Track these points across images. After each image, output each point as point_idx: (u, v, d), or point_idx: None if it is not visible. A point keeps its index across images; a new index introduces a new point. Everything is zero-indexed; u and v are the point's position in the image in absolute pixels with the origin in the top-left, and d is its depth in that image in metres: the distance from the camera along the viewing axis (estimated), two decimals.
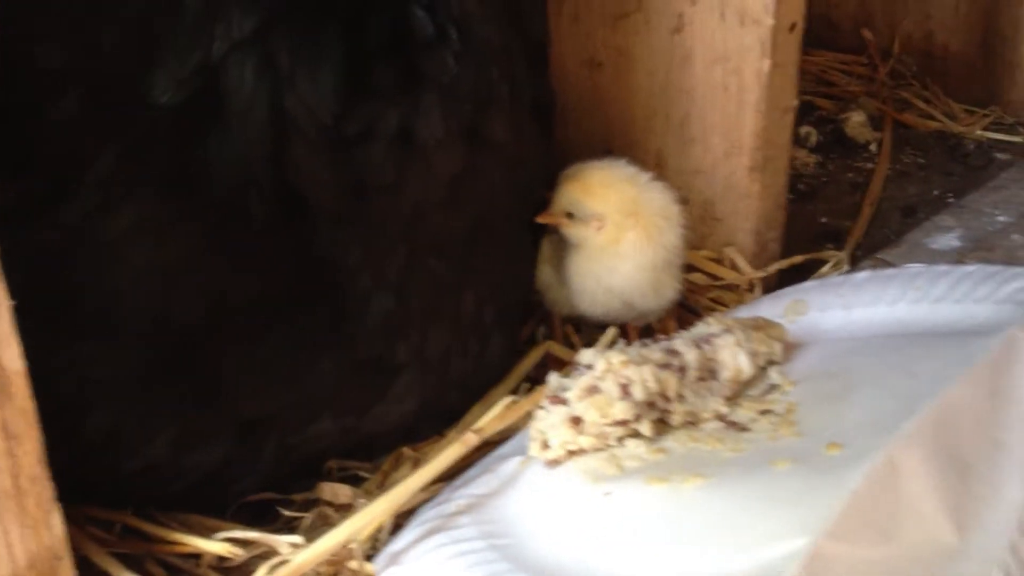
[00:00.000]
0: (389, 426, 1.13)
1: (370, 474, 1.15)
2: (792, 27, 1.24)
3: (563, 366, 1.31)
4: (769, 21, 1.21)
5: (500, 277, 1.20)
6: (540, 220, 1.26)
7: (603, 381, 1.03)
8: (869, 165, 1.88)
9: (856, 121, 1.95)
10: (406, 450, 1.14)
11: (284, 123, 0.98)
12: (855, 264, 1.43)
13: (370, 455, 1.16)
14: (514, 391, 1.23)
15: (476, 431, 1.03)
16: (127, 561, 1.01)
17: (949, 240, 1.42)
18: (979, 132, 1.92)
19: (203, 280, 0.99)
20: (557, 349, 1.32)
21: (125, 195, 0.97)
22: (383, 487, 1.11)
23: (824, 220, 1.73)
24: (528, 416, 1.07)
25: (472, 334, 1.16)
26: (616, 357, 1.03)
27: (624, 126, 1.43)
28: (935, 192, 1.79)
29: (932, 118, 1.98)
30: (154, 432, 1.02)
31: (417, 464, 1.13)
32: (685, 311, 1.39)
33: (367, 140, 1.00)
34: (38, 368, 0.96)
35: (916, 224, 1.67)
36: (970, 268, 1.19)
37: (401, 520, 1.05)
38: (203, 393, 1.02)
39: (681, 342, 1.10)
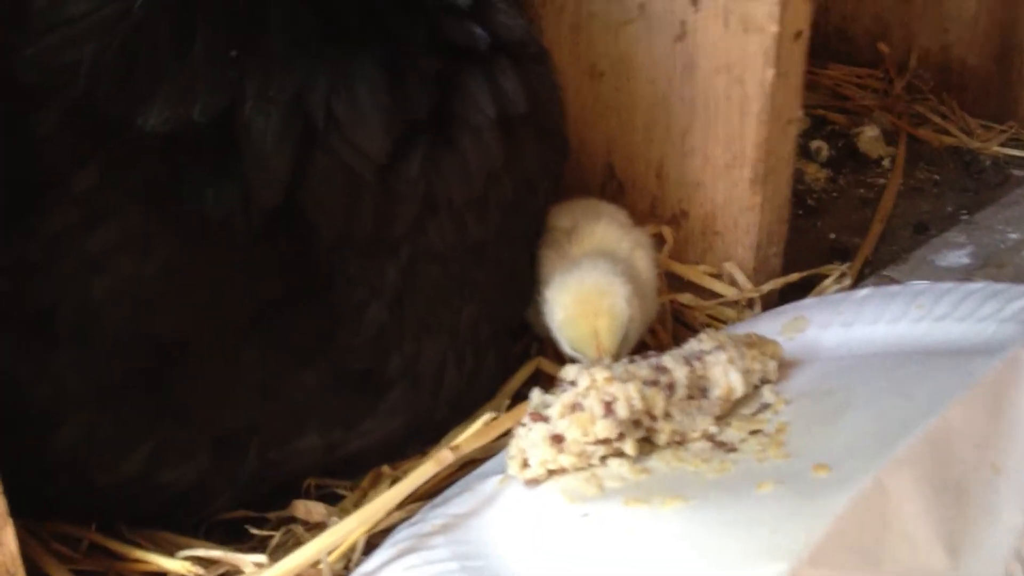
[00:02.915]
0: (375, 442, 1.09)
1: (348, 492, 1.12)
2: (797, 35, 1.20)
3: (553, 383, 1.28)
4: (774, 29, 1.17)
5: (501, 292, 1.17)
6: None
7: (586, 398, 0.99)
8: (881, 181, 1.84)
9: (869, 136, 1.91)
10: (385, 468, 1.10)
11: (313, 165, 0.98)
12: (860, 281, 1.38)
13: (352, 473, 1.12)
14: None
15: (452, 448, 0.99)
16: None
17: (958, 257, 1.38)
18: (995, 148, 1.88)
19: (186, 292, 0.97)
20: (547, 365, 1.28)
21: (109, 210, 0.95)
22: (359, 506, 1.08)
23: (833, 236, 1.69)
24: (509, 433, 1.03)
25: (468, 349, 1.12)
26: (600, 373, 1.00)
27: (625, 137, 1.39)
28: (948, 209, 1.75)
29: (947, 133, 1.94)
30: (129, 447, 0.99)
31: (395, 483, 1.10)
32: (681, 327, 1.35)
33: (404, 160, 1.00)
34: (6, 377, 0.95)
35: (926, 241, 1.63)
36: (976, 286, 1.14)
37: (376, 540, 1.01)
38: (182, 406, 0.99)
39: (671, 358, 1.06)
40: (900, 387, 0.99)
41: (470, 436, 1.02)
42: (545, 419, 1.00)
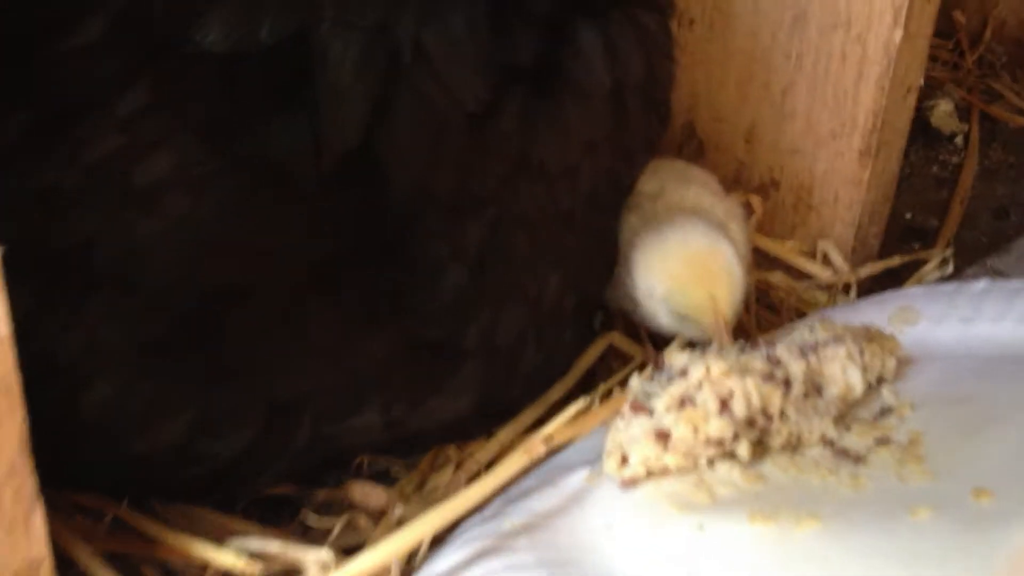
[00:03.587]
0: (440, 423, 0.96)
1: (404, 472, 0.99)
2: None
3: (627, 362, 1.16)
4: None
5: (588, 262, 1.03)
6: None
7: (699, 391, 0.86)
8: (955, 159, 1.72)
9: (943, 110, 1.78)
10: (451, 450, 0.98)
11: (397, 104, 0.84)
12: (959, 271, 1.26)
13: (409, 452, 1.00)
14: (575, 390, 1.07)
15: (545, 439, 0.86)
16: (120, 564, 0.84)
17: None
18: None
19: (243, 238, 0.83)
20: (621, 341, 1.16)
21: (161, 138, 0.82)
22: (421, 490, 0.96)
23: (909, 216, 1.57)
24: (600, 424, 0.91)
25: (550, 323, 0.99)
26: (716, 364, 0.87)
27: (712, 94, 1.26)
28: None
29: (1022, 112, 1.82)
30: (169, 411, 0.85)
31: (460, 466, 0.98)
32: (765, 309, 1.22)
33: (499, 111, 0.87)
34: (35, 326, 0.81)
35: (1012, 232, 1.52)
36: None
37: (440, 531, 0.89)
38: (231, 368, 0.85)
39: (784, 349, 0.93)
40: None
41: (561, 426, 0.89)
42: (648, 411, 0.87)
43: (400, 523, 0.87)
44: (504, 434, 1.02)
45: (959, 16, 1.91)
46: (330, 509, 0.94)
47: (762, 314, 1.22)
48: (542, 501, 0.89)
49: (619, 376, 1.13)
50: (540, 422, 1.04)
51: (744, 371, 0.88)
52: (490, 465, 0.97)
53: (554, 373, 1.06)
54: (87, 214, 0.82)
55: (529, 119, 0.90)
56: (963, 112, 1.82)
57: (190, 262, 0.83)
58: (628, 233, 1.11)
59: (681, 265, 1.02)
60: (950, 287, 1.12)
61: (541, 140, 0.92)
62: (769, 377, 0.90)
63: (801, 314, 1.21)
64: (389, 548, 0.80)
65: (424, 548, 0.86)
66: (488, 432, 1.02)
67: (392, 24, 0.85)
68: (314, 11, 0.84)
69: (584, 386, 1.13)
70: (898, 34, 1.07)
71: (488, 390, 0.97)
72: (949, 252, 1.25)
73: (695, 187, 1.14)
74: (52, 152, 0.82)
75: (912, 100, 1.15)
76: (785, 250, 1.24)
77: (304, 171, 0.84)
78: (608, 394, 1.03)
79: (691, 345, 1.02)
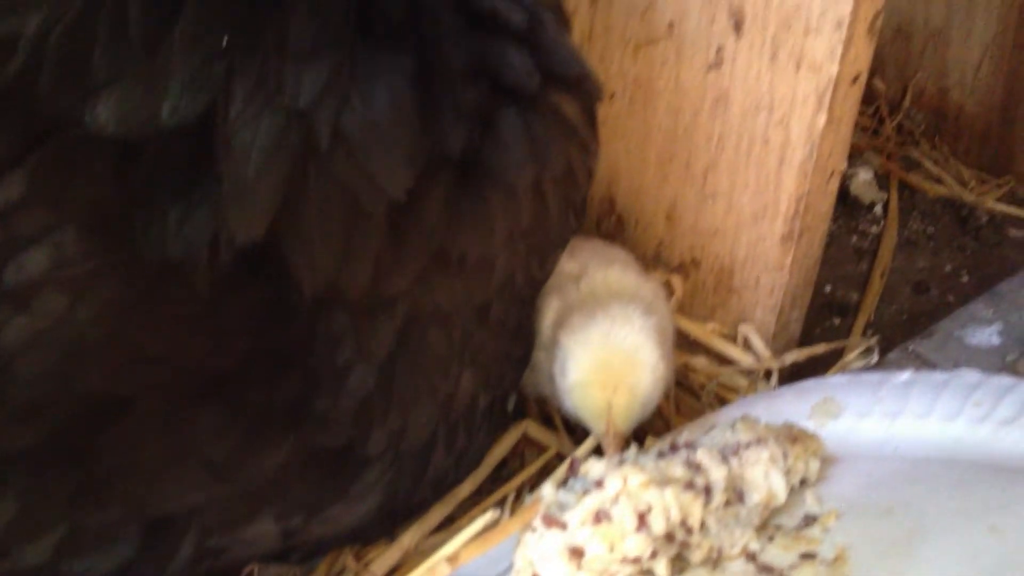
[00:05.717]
0: (340, 529, 0.90)
1: None
2: (855, 78, 1.04)
3: (541, 450, 1.11)
4: (833, 69, 1.01)
5: (503, 358, 0.98)
6: None
7: (616, 505, 0.81)
8: (874, 228, 1.71)
9: (862, 179, 1.77)
10: (350, 560, 0.91)
11: (308, 195, 0.78)
12: (881, 354, 1.23)
13: (304, 558, 0.93)
14: (485, 483, 1.02)
15: (449, 559, 0.80)
16: None
17: (988, 336, 1.24)
18: (991, 203, 1.75)
19: (129, 344, 0.76)
20: (535, 430, 1.11)
21: (39, 231, 0.74)
22: None
23: (828, 289, 1.55)
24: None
25: (462, 422, 0.93)
26: (634, 475, 0.82)
27: (633, 170, 1.22)
28: (947, 268, 1.63)
29: (941, 181, 1.81)
30: (37, 530, 0.77)
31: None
32: (687, 394, 1.18)
33: (422, 201, 0.81)
34: None
35: (931, 307, 1.51)
36: None
37: None
38: (110, 482, 0.78)
39: (705, 453, 0.89)
40: (982, 515, 0.84)
41: (468, 544, 0.83)
42: (561, 525, 0.82)
43: None
44: (407, 537, 0.97)
45: (879, 83, 1.92)
46: None
47: (682, 398, 1.18)
48: None
49: (532, 468, 1.08)
50: (448, 521, 0.99)
51: (663, 481, 0.83)
52: (391, 574, 0.91)
53: (464, 473, 1.00)
54: None
55: (452, 210, 0.85)
56: (883, 179, 1.82)
57: (65, 368, 0.76)
58: (551, 315, 1.07)
59: (593, 362, 0.97)
60: (874, 377, 1.09)
61: (463, 233, 0.86)
62: (689, 485, 0.85)
63: (722, 400, 1.17)
64: None
65: None
66: (391, 534, 0.96)
67: (310, 106, 0.78)
68: (224, 88, 0.77)
69: (495, 476, 1.08)
70: (821, 119, 1.05)
71: (393, 494, 0.92)
72: (874, 341, 1.22)
73: (617, 267, 1.10)
74: None
75: (835, 184, 1.12)
76: (706, 332, 1.20)
77: (200, 269, 0.77)
78: (519, 495, 0.98)
79: None
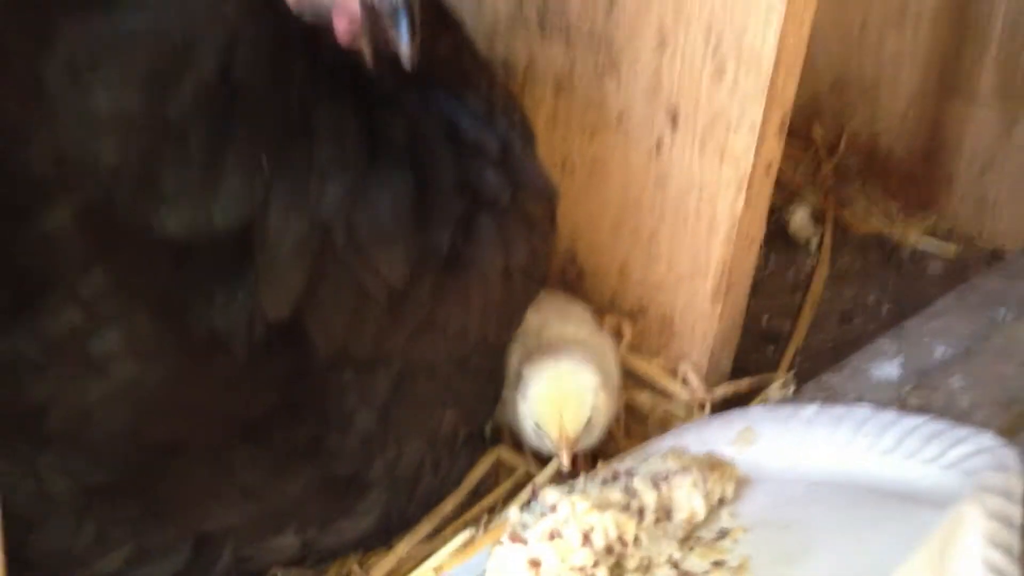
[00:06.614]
0: (347, 539, 1.13)
1: None
2: (768, 168, 1.26)
3: (513, 472, 1.33)
4: (748, 161, 1.23)
5: (479, 398, 1.21)
6: None
7: (566, 526, 1.03)
8: (809, 262, 1.91)
9: (800, 218, 1.96)
10: (355, 567, 1.14)
11: (326, 282, 0.98)
12: (799, 384, 1.45)
13: (317, 563, 1.15)
14: (466, 500, 1.24)
15: (435, 570, 1.03)
16: None
17: (890, 369, 1.44)
18: (915, 239, 1.95)
19: (184, 401, 0.97)
20: (507, 455, 1.33)
21: (116, 315, 0.93)
22: None
23: (766, 318, 1.75)
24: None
25: (445, 451, 1.17)
26: (580, 502, 1.04)
27: (591, 230, 1.44)
28: (871, 298, 1.82)
29: (870, 218, 2.02)
30: (109, 547, 0.99)
31: None
32: (634, 422, 1.40)
33: (415, 287, 1.03)
34: None
35: (853, 336, 1.70)
36: (916, 420, 1.20)
37: None
38: (166, 508, 1.00)
39: (640, 481, 1.11)
40: (857, 532, 1.05)
41: (450, 556, 1.05)
42: (524, 541, 1.04)
43: None
44: (402, 546, 1.19)
45: (818, 128, 2.12)
46: None
47: (631, 425, 1.41)
48: None
49: (505, 486, 1.30)
50: (435, 532, 1.21)
51: (604, 505, 1.06)
52: None
53: (447, 492, 1.23)
54: (45, 381, 0.93)
55: (438, 292, 1.07)
56: (819, 216, 2.03)
57: (135, 421, 0.97)
58: (516, 359, 1.30)
59: (547, 382, 1.23)
60: (787, 410, 1.31)
61: (446, 307, 1.09)
62: (626, 508, 1.08)
63: (664, 426, 1.40)
64: None
65: None
66: (388, 544, 1.19)
67: (330, 213, 0.98)
68: (262, 200, 0.95)
69: (474, 493, 1.30)
70: (740, 200, 1.26)
71: (390, 511, 1.14)
72: (790, 376, 1.44)
73: (574, 322, 1.33)
74: (17, 325, 0.93)
75: (755, 249, 1.34)
76: (652, 368, 1.42)
77: (239, 340, 0.98)
78: (493, 510, 1.20)
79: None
